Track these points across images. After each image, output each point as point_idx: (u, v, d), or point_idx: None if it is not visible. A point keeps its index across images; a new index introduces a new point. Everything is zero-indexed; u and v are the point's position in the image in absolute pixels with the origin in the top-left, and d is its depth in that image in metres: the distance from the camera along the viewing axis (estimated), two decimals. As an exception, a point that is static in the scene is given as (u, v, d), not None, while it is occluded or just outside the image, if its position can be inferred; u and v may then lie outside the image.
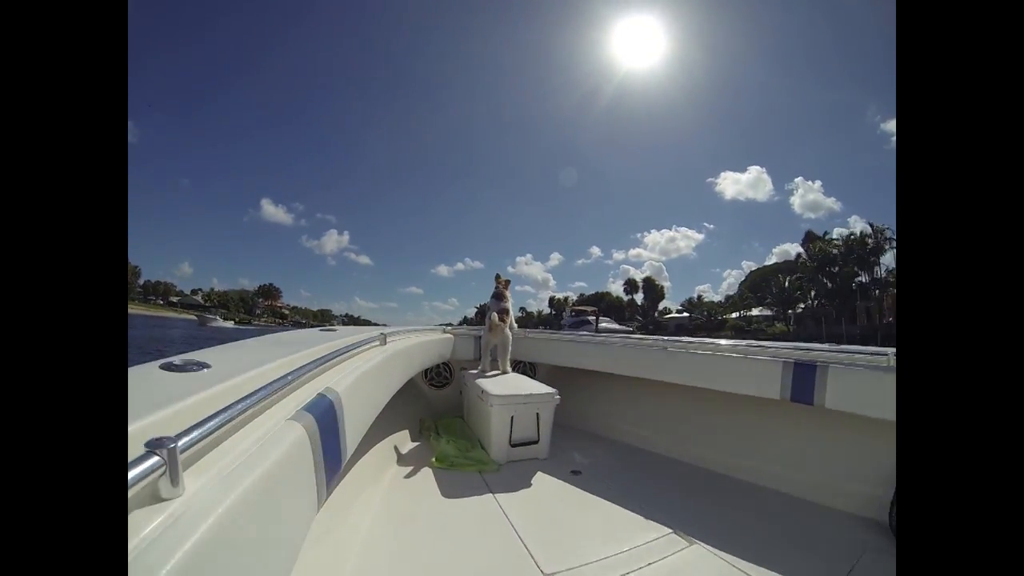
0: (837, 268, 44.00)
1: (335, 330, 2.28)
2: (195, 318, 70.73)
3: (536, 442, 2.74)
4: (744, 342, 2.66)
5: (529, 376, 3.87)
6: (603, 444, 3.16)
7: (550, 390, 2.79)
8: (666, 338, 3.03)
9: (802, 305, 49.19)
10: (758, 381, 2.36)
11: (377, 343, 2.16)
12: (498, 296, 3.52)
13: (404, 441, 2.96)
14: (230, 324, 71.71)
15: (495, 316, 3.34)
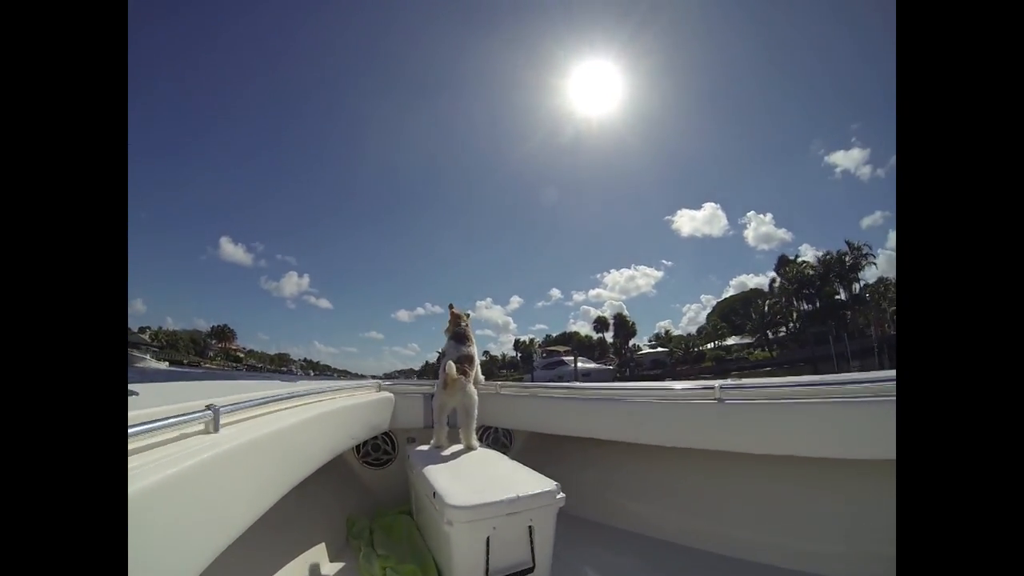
0: (814, 289, 44.98)
1: (250, 373, 1.91)
2: None
3: (531, 570, 1.69)
4: (820, 378, 1.87)
5: (503, 449, 2.96)
6: (627, 544, 2.16)
7: (549, 485, 1.71)
8: (721, 383, 2.04)
9: (784, 329, 49.62)
10: (861, 435, 1.57)
11: (286, 402, 1.68)
12: (458, 338, 2.45)
13: (320, 559, 1.93)
14: (163, 365, 66.40)
15: (452, 367, 2.21)
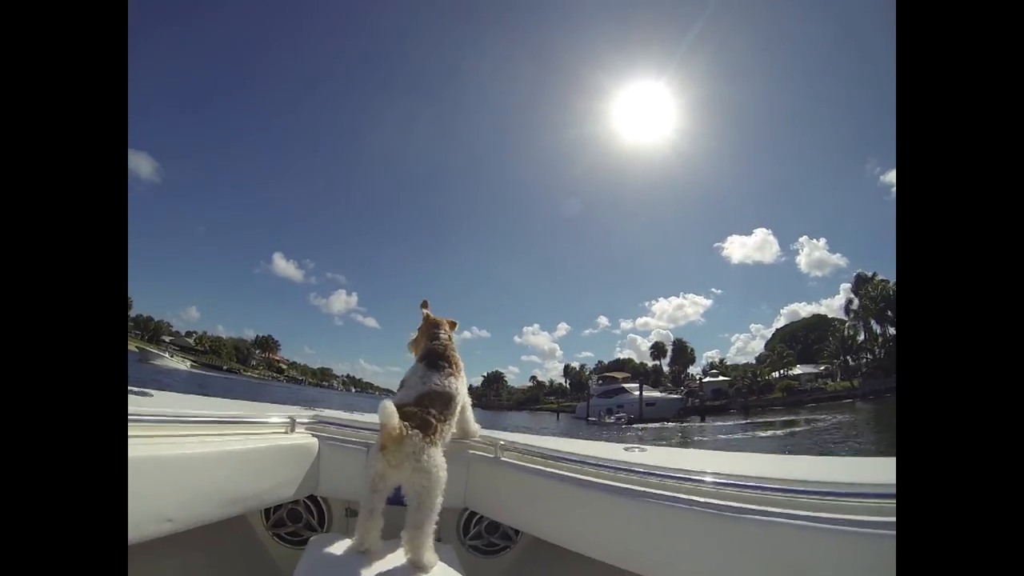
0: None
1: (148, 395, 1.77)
2: (136, 351, 61.60)
3: None
4: None
5: (500, 547, 1.97)
6: None
7: None
8: None
9: (869, 355, 44.01)
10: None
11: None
12: (431, 359, 1.64)
13: None
14: (183, 365, 62.27)
15: (390, 413, 1.29)
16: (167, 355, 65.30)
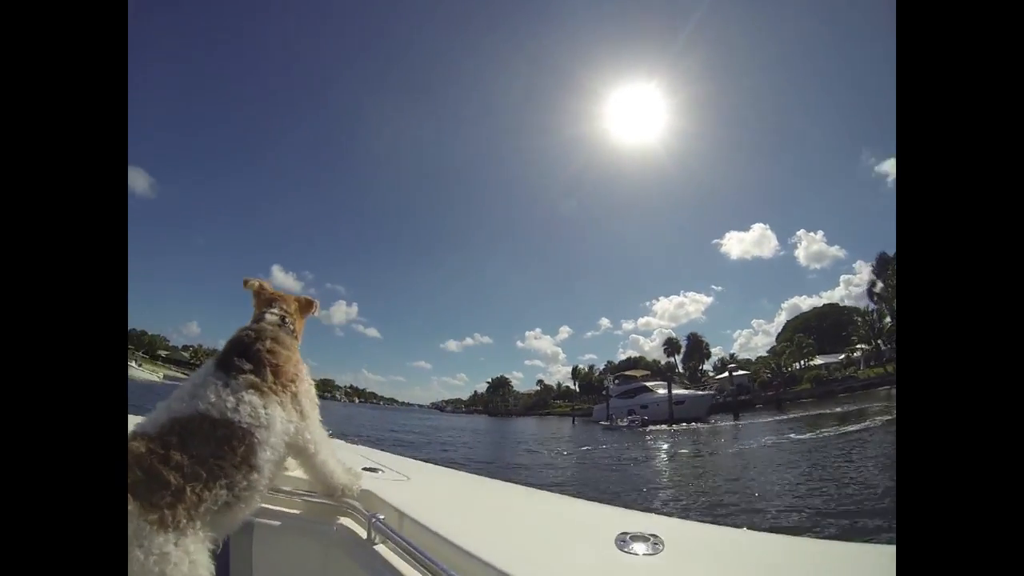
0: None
1: None
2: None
3: None
4: None
5: None
6: None
7: None
8: None
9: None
10: None
11: None
12: (231, 351, 1.15)
13: None
14: (156, 377, 56.17)
15: None
16: (133, 363, 60.22)
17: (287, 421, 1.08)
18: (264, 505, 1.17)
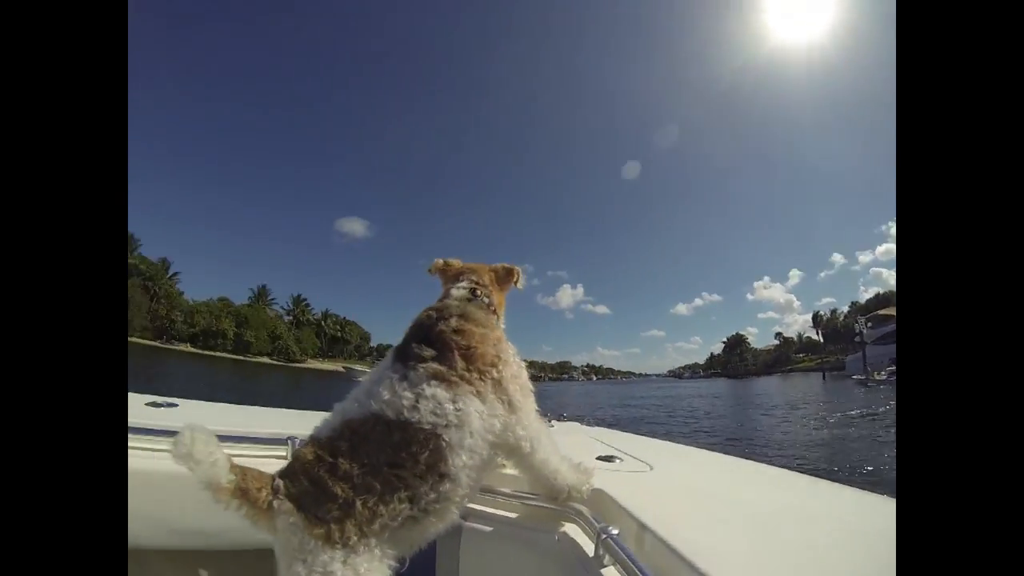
0: None
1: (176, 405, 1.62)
2: (343, 370, 60.23)
3: None
4: None
5: None
6: None
7: None
8: None
9: None
10: None
11: None
12: (410, 339, 0.96)
13: None
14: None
15: (204, 465, 0.75)
16: (369, 370, 65.84)
17: (489, 416, 0.87)
18: (473, 505, 1.07)
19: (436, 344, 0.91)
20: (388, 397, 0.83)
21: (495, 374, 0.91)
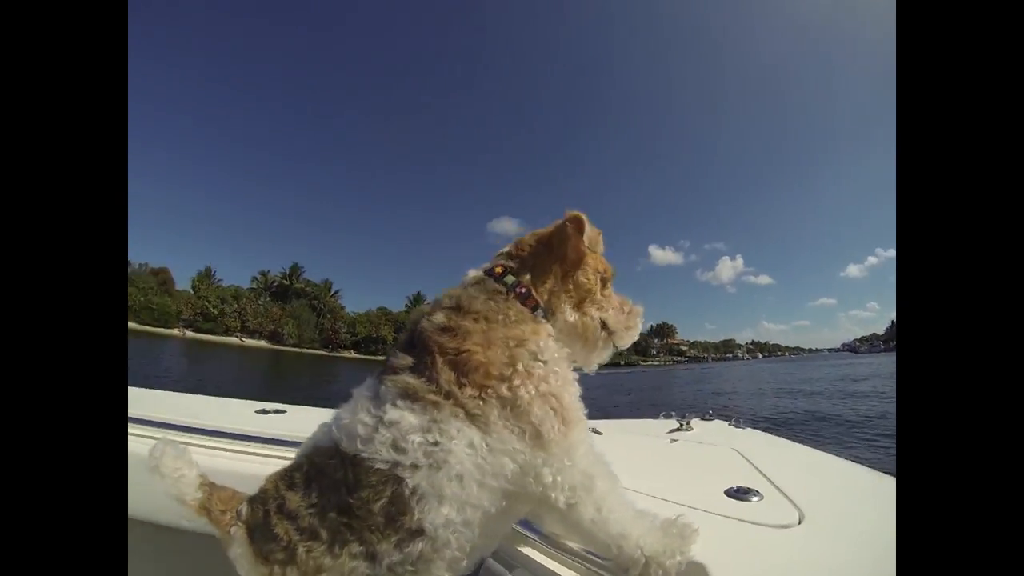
0: None
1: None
2: None
3: None
4: None
5: None
6: None
7: None
8: None
9: None
10: None
11: None
12: (399, 347, 0.74)
13: None
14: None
15: (174, 480, 0.74)
16: None
17: (494, 453, 0.64)
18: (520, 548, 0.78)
19: (416, 348, 0.69)
20: (347, 421, 0.67)
21: (504, 391, 0.65)
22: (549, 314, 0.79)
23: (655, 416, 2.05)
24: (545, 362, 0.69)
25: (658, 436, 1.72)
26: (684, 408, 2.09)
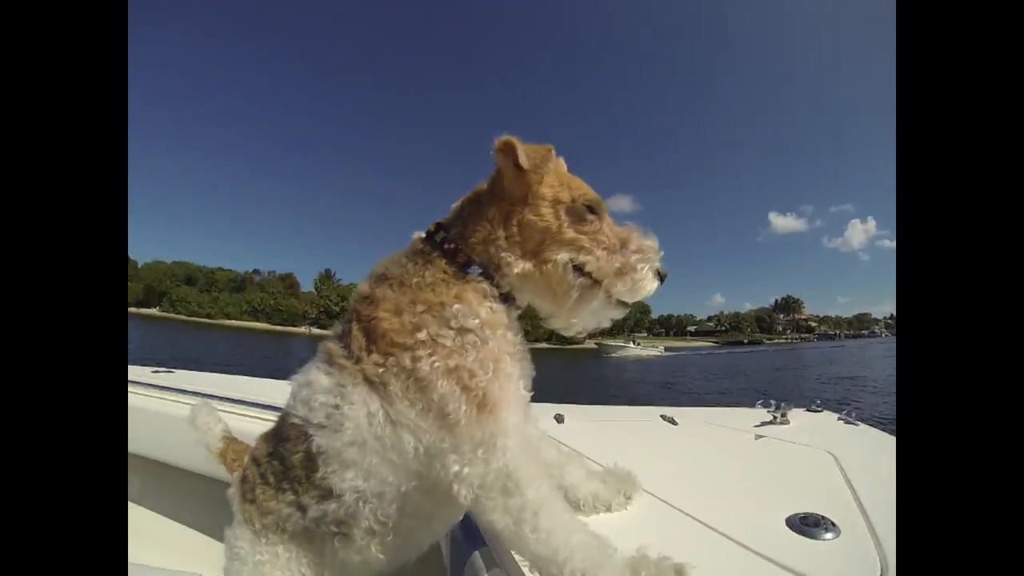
0: None
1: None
2: (595, 346, 60.51)
3: None
4: None
5: None
6: None
7: None
8: None
9: None
10: None
11: None
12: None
13: None
14: (655, 352, 59.92)
15: (206, 430, 0.92)
16: (631, 345, 64.55)
17: (394, 426, 0.60)
18: None
19: (347, 316, 0.70)
20: (299, 390, 0.70)
21: (407, 360, 0.59)
22: (493, 269, 0.69)
23: (752, 406, 1.72)
24: (462, 330, 0.61)
25: (741, 431, 1.36)
26: (795, 397, 1.73)
